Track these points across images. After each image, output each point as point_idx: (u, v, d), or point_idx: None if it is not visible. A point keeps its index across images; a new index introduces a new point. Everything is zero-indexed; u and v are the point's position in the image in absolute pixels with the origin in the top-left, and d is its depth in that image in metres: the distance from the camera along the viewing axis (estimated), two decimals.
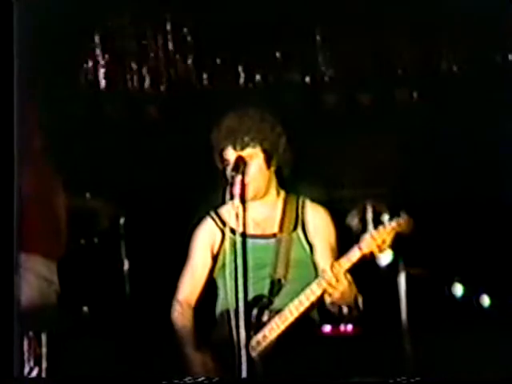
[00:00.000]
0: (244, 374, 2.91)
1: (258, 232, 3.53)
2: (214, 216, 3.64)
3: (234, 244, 3.18)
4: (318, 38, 5.22)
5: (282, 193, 3.66)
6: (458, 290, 5.20)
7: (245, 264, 3.01)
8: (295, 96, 5.23)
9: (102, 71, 5.30)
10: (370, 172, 5.04)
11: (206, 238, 3.62)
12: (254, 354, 3.33)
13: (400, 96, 5.25)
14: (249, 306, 3.36)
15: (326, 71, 5.26)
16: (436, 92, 5.21)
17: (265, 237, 3.54)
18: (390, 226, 3.32)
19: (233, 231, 3.33)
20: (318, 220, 3.57)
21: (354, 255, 3.34)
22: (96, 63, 5.29)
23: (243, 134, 3.50)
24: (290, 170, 3.64)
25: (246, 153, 3.49)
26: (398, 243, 4.40)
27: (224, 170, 3.54)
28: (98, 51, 5.28)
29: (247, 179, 3.38)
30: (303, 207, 3.60)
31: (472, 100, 5.05)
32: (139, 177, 5.06)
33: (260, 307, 3.42)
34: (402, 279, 4.38)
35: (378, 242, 3.32)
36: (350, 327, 4.43)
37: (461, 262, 4.99)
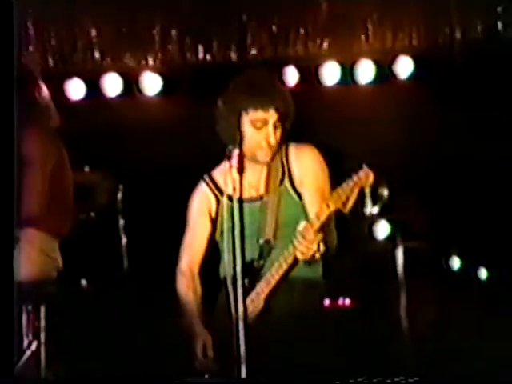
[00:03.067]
0: (242, 348, 2.88)
1: (248, 194, 3.45)
2: (208, 180, 3.58)
3: (228, 210, 3.14)
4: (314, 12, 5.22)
5: None
6: (456, 263, 5.21)
7: (242, 235, 2.96)
8: (293, 71, 5.22)
9: (99, 54, 5.31)
10: (370, 145, 5.03)
11: (201, 203, 3.54)
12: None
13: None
14: (242, 273, 3.33)
15: (324, 44, 5.25)
16: (437, 69, 5.20)
17: (253, 199, 3.46)
18: (351, 182, 3.26)
19: (229, 198, 3.30)
20: (303, 162, 3.40)
21: (323, 214, 3.28)
22: (93, 47, 5.30)
23: (285, 98, 3.39)
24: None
25: (278, 115, 3.41)
26: (395, 216, 4.41)
27: (243, 131, 3.44)
28: (95, 35, 5.29)
29: (273, 144, 3.35)
30: (287, 154, 3.43)
31: (471, 75, 5.04)
32: (137, 152, 5.06)
33: (253, 272, 3.39)
34: (400, 253, 4.40)
35: (343, 199, 3.27)
36: (348, 301, 4.45)
37: (458, 236, 4.99)
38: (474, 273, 5.14)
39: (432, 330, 4.57)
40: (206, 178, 3.56)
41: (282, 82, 5.04)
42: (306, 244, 3.23)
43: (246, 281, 3.28)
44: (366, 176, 3.22)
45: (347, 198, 3.22)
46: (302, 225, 3.25)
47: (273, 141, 3.37)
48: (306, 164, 3.44)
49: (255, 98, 3.41)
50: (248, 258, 3.35)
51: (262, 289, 3.34)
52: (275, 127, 3.39)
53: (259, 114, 3.40)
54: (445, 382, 3.37)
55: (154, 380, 3.32)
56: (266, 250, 3.40)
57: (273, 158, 3.42)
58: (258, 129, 3.40)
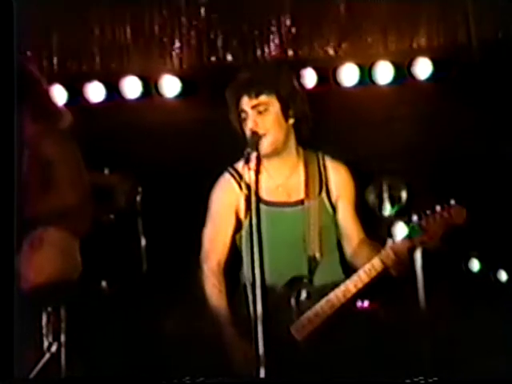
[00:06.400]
0: (261, 351, 2.86)
1: (284, 198, 3.36)
2: (233, 172, 3.51)
3: (256, 213, 3.07)
4: (332, 14, 5.21)
5: (301, 150, 3.47)
6: (475, 265, 5.19)
7: (260, 236, 2.93)
8: (311, 73, 5.22)
9: (119, 57, 5.34)
10: (389, 147, 5.02)
11: (227, 196, 3.45)
12: (299, 337, 3.28)
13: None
14: (287, 287, 3.31)
15: (342, 45, 5.25)
16: (456, 67, 5.17)
17: (292, 204, 3.41)
18: (439, 217, 3.24)
19: (256, 197, 3.24)
20: (339, 179, 3.42)
21: (405, 244, 3.30)
22: (113, 49, 5.32)
23: (258, 81, 3.34)
24: (309, 127, 3.48)
25: (261, 99, 3.35)
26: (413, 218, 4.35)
27: (240, 123, 3.40)
28: (114, 38, 5.31)
29: (262, 131, 3.30)
30: (325, 166, 3.43)
31: (490, 77, 5.01)
32: (156, 154, 5.07)
33: (299, 288, 3.35)
34: (419, 255, 4.37)
35: (431, 233, 3.26)
36: (366, 303, 4.43)
37: (477, 238, 4.97)
38: (493, 275, 5.11)
39: (451, 332, 4.55)
40: (231, 169, 3.51)
41: (301, 84, 5.06)
42: (402, 262, 3.25)
43: (292, 298, 3.27)
44: (457, 213, 3.22)
45: (436, 233, 3.22)
46: (392, 243, 3.27)
47: (251, 124, 3.32)
48: (343, 183, 3.43)
49: (234, 93, 3.40)
50: (294, 273, 3.32)
51: (325, 310, 3.29)
52: (258, 112, 3.34)
53: (240, 106, 3.39)
54: (464, 382, 3.36)
55: (173, 379, 3.33)
56: (313, 266, 3.37)
57: (273, 152, 3.36)
58: (244, 119, 3.38)
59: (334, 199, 3.41)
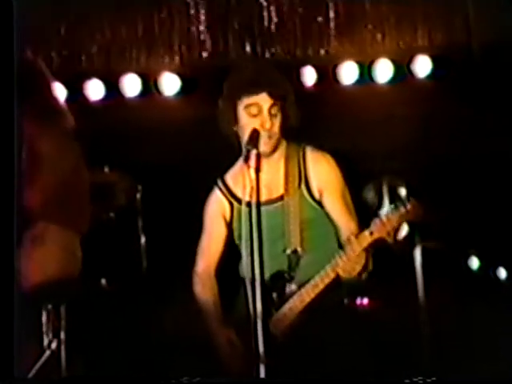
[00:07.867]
0: (261, 350, 2.87)
1: (265, 197, 3.34)
2: (221, 185, 3.56)
3: (244, 215, 3.10)
4: (331, 11, 5.22)
5: (284, 143, 3.47)
6: (474, 262, 5.19)
7: (260, 236, 2.93)
8: (311, 71, 5.22)
9: (118, 55, 5.34)
10: (388, 144, 5.02)
11: (215, 208, 3.53)
12: (275, 331, 3.29)
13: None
14: (270, 281, 3.32)
15: (342, 43, 5.25)
16: (455, 68, 5.17)
17: (272, 201, 3.41)
18: (398, 213, 3.22)
19: (240, 201, 3.29)
20: (320, 170, 3.39)
21: (366, 240, 3.25)
22: (112, 47, 5.32)
23: (279, 83, 3.36)
24: (297, 128, 3.47)
25: (277, 103, 3.37)
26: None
27: (236, 115, 3.39)
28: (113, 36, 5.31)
29: (271, 133, 3.31)
30: (304, 158, 3.42)
31: (490, 75, 5.01)
32: (155, 152, 5.07)
33: (282, 283, 3.36)
34: (418, 253, 4.38)
35: (388, 228, 3.23)
36: (365, 300, 4.44)
37: (476, 235, 4.97)
38: (492, 273, 5.12)
39: (451, 330, 4.56)
40: (219, 183, 3.56)
41: (300, 82, 5.07)
42: (351, 264, 3.22)
43: (275, 293, 3.28)
44: (414, 209, 3.21)
45: (393, 228, 3.20)
46: (346, 246, 3.24)
47: (268, 125, 3.33)
48: (325, 174, 3.41)
49: (246, 84, 3.39)
50: (276, 268, 3.34)
51: (296, 305, 3.31)
52: (271, 113, 3.36)
53: (251, 99, 3.37)
54: (463, 381, 3.36)
55: (171, 379, 3.34)
56: (294, 261, 3.37)
57: (274, 150, 3.39)
58: (254, 116, 3.37)
59: (315, 191, 3.39)
